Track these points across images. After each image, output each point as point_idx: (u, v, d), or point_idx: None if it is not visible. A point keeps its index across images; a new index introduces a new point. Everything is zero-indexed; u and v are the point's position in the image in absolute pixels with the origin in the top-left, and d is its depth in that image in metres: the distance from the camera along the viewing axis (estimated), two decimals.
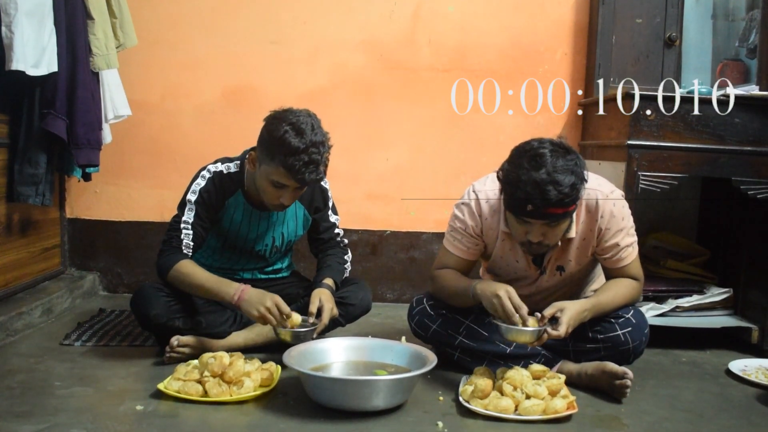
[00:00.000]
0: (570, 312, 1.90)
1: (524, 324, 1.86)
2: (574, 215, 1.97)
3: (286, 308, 2.01)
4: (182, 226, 2.14)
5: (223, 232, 2.25)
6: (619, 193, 2.04)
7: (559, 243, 2.01)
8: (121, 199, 3.10)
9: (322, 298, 2.11)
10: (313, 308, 2.08)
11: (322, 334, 2.26)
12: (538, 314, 1.91)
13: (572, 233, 1.99)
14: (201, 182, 2.19)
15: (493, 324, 1.95)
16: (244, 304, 2.00)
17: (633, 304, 2.12)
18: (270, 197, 2.09)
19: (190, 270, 2.07)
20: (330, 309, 2.10)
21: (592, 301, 2.00)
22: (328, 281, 2.23)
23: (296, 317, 2.04)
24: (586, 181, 1.88)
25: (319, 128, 2.04)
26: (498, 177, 1.89)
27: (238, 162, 2.23)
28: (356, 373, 1.95)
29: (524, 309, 1.88)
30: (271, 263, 2.39)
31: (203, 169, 2.22)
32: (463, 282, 2.04)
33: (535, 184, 1.76)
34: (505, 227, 2.01)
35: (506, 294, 1.88)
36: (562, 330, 1.87)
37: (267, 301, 1.99)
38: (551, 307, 1.92)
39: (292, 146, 1.97)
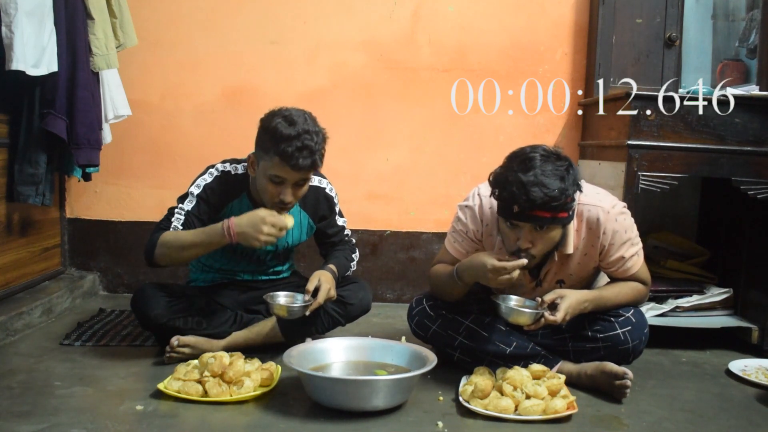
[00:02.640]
0: (570, 300, 1.91)
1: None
2: (573, 231, 1.97)
3: (279, 221, 1.98)
4: (176, 211, 2.13)
5: None
6: (621, 206, 2.02)
7: (556, 258, 2.00)
8: (121, 199, 3.10)
9: (321, 279, 2.11)
10: (310, 286, 2.08)
11: (322, 334, 2.27)
12: (539, 299, 1.92)
13: (569, 249, 1.98)
14: (207, 178, 2.18)
15: (493, 303, 1.95)
16: (241, 239, 1.97)
17: (637, 305, 2.11)
18: (270, 195, 2.08)
19: (173, 237, 2.05)
20: (327, 290, 2.10)
21: (594, 293, 2.01)
22: (332, 266, 2.24)
23: (290, 219, 2.03)
24: (581, 190, 1.88)
25: (312, 120, 2.04)
26: (489, 180, 1.89)
27: (245, 164, 2.23)
28: (356, 373, 1.95)
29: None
30: (271, 266, 2.39)
31: (211, 166, 2.22)
32: (448, 269, 2.05)
33: (520, 184, 1.76)
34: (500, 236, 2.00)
35: (492, 256, 1.88)
36: (559, 316, 1.87)
37: (263, 229, 1.94)
38: (552, 293, 1.94)
39: (284, 134, 1.97)
